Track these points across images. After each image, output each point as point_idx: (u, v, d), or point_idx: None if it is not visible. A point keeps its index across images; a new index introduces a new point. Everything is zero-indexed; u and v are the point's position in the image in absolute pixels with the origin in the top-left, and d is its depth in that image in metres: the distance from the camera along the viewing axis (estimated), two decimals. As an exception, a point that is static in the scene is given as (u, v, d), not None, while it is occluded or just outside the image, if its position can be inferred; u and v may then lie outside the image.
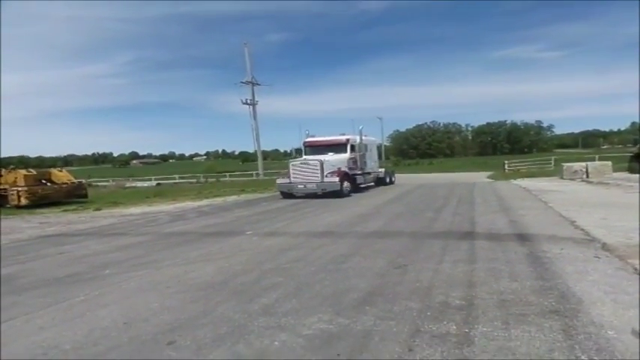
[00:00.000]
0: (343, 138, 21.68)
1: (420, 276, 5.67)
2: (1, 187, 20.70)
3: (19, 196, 19.58)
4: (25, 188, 19.92)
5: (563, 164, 26.12)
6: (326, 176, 18.41)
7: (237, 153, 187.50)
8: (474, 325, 3.96)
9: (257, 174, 45.47)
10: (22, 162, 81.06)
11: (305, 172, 18.93)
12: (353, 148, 21.38)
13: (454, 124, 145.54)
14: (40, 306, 5.19)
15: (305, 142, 22.65)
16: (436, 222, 10.47)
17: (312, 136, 23.02)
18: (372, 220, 11.19)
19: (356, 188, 20.50)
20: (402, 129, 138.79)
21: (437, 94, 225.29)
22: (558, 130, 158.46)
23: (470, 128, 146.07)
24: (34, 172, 22.39)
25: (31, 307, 5.18)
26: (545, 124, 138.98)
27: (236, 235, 9.96)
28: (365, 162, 22.12)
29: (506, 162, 39.87)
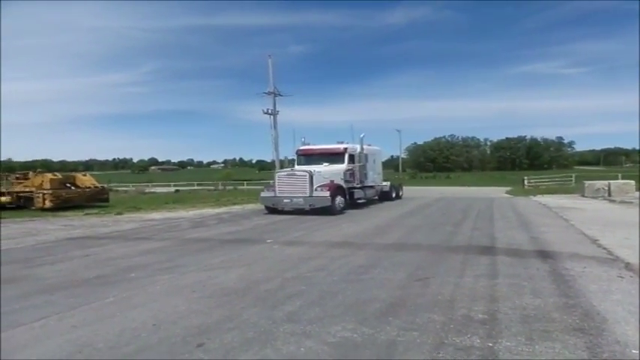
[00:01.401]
0: (340, 147, 19.36)
1: (442, 289, 5.71)
2: (28, 189, 21.30)
3: (44, 199, 20.10)
4: (51, 191, 20.45)
5: (585, 182, 25.77)
6: (315, 190, 16.09)
7: (254, 161, 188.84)
8: (497, 340, 3.99)
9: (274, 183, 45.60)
10: (45, 165, 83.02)
11: (292, 184, 16.61)
12: (352, 158, 19.05)
13: (473, 138, 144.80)
14: (71, 306, 5.37)
15: (298, 151, 20.31)
16: (456, 236, 10.46)
17: (307, 144, 20.76)
18: (390, 233, 11.22)
19: (353, 204, 18.57)
20: (420, 142, 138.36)
21: (456, 108, 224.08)
22: (579, 147, 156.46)
23: (489, 143, 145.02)
24: (59, 175, 22.98)
25: (63, 306, 5.37)
26: (565, 141, 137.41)
27: (256, 242, 10.10)
28: (365, 174, 19.79)
29: (525, 178, 39.42)
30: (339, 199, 16.54)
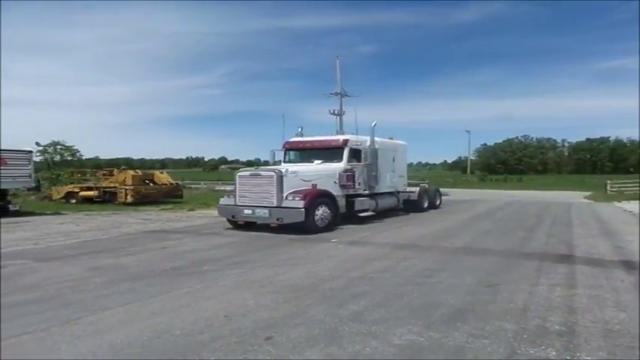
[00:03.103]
0: (338, 139, 14.54)
1: (514, 297, 5.46)
2: (112, 185, 23.09)
3: (126, 194, 21.67)
4: (132, 187, 22.02)
5: (679, 187, 23.34)
6: (286, 198, 11.61)
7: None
8: (575, 353, 3.77)
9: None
10: (127, 163, 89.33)
11: (255, 189, 12.16)
12: (356, 154, 14.21)
13: (548, 139, 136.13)
14: (151, 294, 5.77)
15: (286, 144, 15.50)
16: (529, 242, 9.95)
17: (301, 136, 16.02)
18: (458, 236, 10.89)
19: (354, 217, 13.65)
20: (490, 143, 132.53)
21: (531, 107, 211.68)
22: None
23: (566, 144, 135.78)
24: (140, 172, 24.70)
25: (143, 294, 5.78)
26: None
27: (322, 241, 10.24)
28: (376, 177, 14.62)
29: (608, 182, 36.48)
30: (321, 212, 11.82)
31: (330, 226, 12.10)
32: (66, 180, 28.58)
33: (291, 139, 15.63)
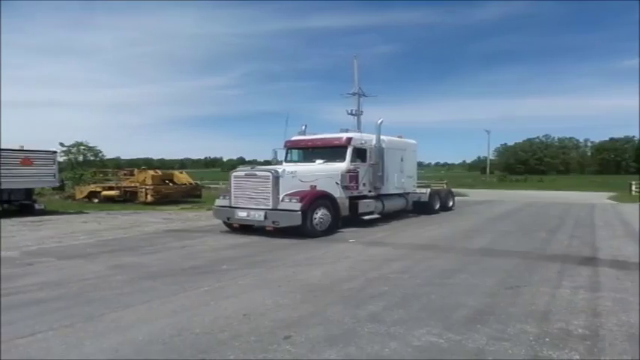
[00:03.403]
0: (341, 137, 13.63)
1: (535, 299, 5.38)
2: (133, 184, 23.48)
3: (146, 194, 22.02)
4: (152, 187, 22.36)
5: None
6: (282, 200, 10.98)
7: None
8: (599, 357, 3.69)
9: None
10: (147, 163, 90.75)
11: (251, 190, 11.55)
12: (360, 154, 13.54)
13: (570, 138, 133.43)
14: (171, 292, 5.86)
15: (287, 143, 14.82)
16: (551, 244, 9.76)
17: (304, 134, 15.14)
18: (477, 237, 10.76)
19: (358, 221, 12.83)
20: (510, 143, 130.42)
21: (552, 107, 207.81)
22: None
23: (589, 144, 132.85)
24: (159, 172, 25.07)
25: (164, 292, 5.87)
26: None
27: (339, 241, 10.23)
28: (381, 177, 13.92)
29: (633, 182, 35.55)
30: (320, 215, 11.16)
31: (332, 230, 11.44)
32: (88, 180, 29.21)
33: (293, 138, 14.88)
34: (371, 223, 13.25)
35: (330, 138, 13.99)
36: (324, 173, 12.35)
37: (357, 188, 13.05)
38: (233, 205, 11.74)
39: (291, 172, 11.55)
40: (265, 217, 10.95)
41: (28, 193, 17.54)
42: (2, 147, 16.82)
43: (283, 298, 5.54)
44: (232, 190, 11.91)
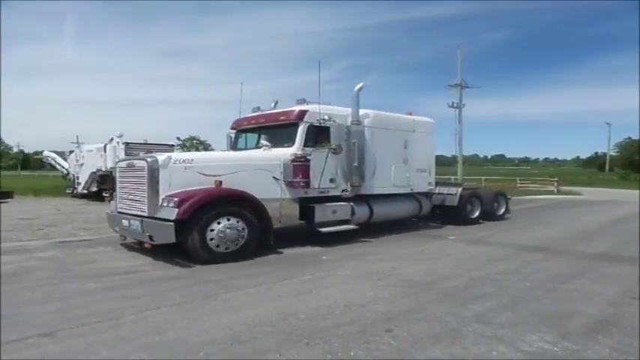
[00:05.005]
0: (292, 111, 9.38)
1: (669, 313, 4.76)
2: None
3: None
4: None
5: None
6: (161, 205, 7.28)
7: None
8: None
9: (455, 179, 44.32)
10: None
11: (131, 188, 8.12)
12: (320, 134, 9.18)
13: None
14: (278, 278, 6.18)
15: (233, 124, 10.86)
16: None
17: (257, 110, 10.54)
18: (596, 241, 9.78)
19: (318, 235, 8.86)
20: (636, 137, 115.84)
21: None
22: None
23: None
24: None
25: (272, 278, 6.21)
26: None
27: (439, 238, 9.98)
28: (359, 169, 9.65)
29: None
30: (220, 229, 7.27)
31: (253, 251, 7.59)
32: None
33: (240, 117, 10.79)
34: (473, 222, 12.58)
35: (275, 113, 9.89)
36: (251, 163, 8.42)
37: (308, 185, 8.67)
38: (119, 210, 8.41)
39: (184, 161, 7.80)
40: (140, 227, 7.47)
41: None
42: (129, 141, 19.47)
43: (383, 291, 5.55)
44: (117, 188, 8.65)
